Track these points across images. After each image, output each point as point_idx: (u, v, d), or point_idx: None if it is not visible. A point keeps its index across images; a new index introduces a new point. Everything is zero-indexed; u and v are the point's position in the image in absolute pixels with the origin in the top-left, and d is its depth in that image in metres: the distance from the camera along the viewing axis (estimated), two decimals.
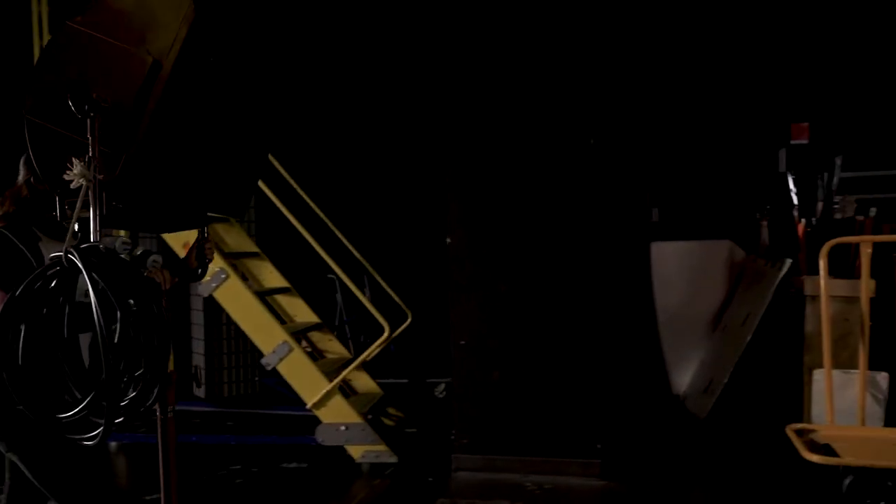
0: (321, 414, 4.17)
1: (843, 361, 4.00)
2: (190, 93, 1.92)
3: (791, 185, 4.60)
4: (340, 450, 4.19)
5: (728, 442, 4.19)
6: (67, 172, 1.79)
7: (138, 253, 2.03)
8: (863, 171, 5.39)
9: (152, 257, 2.10)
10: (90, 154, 1.79)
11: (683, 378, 5.56)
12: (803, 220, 4.30)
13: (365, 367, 4.69)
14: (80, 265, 1.68)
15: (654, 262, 5.70)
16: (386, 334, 4.26)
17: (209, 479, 4.01)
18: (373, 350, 4.38)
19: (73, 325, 1.79)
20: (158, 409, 2.12)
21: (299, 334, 4.68)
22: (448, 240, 3.93)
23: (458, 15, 3.92)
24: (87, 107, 1.78)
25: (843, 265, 4.19)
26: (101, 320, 1.64)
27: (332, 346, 4.87)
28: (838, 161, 4.49)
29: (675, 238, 5.66)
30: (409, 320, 4.86)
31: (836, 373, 3.81)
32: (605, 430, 3.79)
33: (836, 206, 4.39)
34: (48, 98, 1.87)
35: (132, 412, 1.80)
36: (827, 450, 3.27)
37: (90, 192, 1.79)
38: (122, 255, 1.86)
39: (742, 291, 5.27)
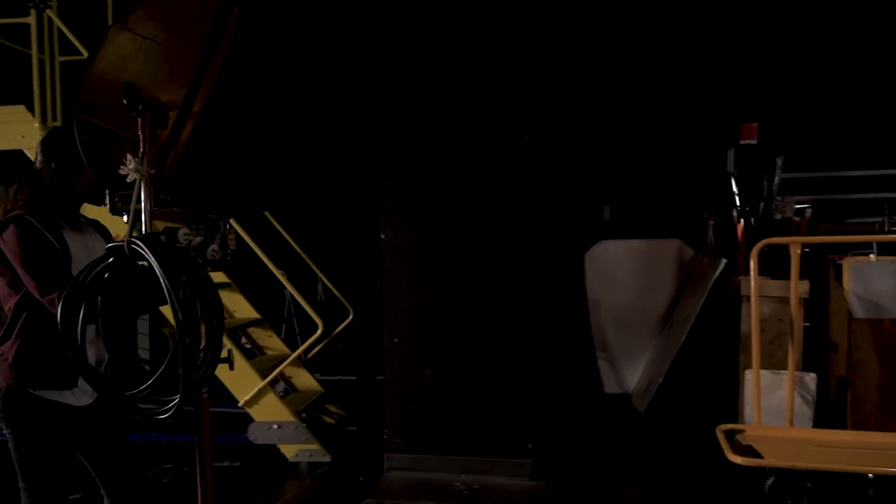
0: (253, 412, 4.09)
1: (778, 361, 4.01)
2: (233, 95, 2.08)
3: (733, 185, 4.60)
4: (276, 448, 4.12)
5: (663, 441, 4.19)
6: (122, 167, 1.91)
7: (197, 243, 2.10)
8: (814, 171, 5.44)
9: (211, 247, 2.16)
10: (142, 150, 1.92)
11: (633, 377, 5.56)
12: (742, 220, 4.30)
13: (312, 364, 4.60)
14: (146, 253, 1.79)
15: (604, 261, 5.69)
16: (320, 331, 4.19)
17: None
18: (306, 347, 4.31)
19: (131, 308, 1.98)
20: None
21: (237, 330, 4.60)
22: (382, 236, 3.88)
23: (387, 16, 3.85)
24: (140, 106, 1.91)
25: (781, 266, 4.20)
26: (177, 303, 1.76)
27: (272, 343, 4.78)
28: (779, 161, 4.51)
29: (626, 236, 5.66)
30: (350, 317, 4.79)
31: (765, 373, 3.82)
32: (537, 430, 3.76)
33: (775, 207, 4.40)
34: (99, 96, 1.99)
35: (199, 386, 1.94)
36: (750, 451, 3.28)
37: (143, 186, 1.91)
38: (183, 245, 2.00)
39: (689, 290, 5.29)
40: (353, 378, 5.99)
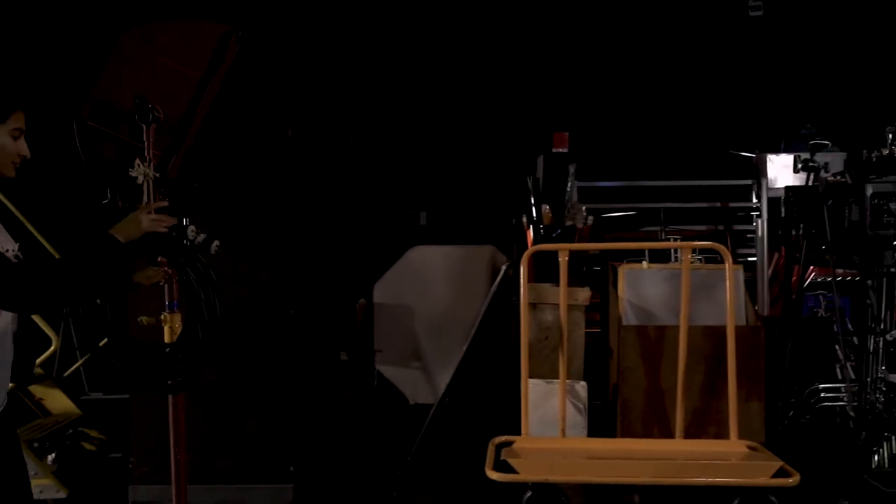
0: None
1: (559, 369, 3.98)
2: (229, 109, 2.37)
3: (531, 192, 4.56)
4: None
5: (447, 455, 4.02)
6: (131, 170, 2.13)
7: (201, 240, 2.24)
8: (619, 181, 5.57)
9: (215, 242, 2.28)
10: (148, 155, 2.14)
11: (441, 387, 5.44)
12: (532, 227, 4.25)
13: (98, 380, 3.98)
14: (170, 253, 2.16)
15: (418, 267, 5.53)
16: (53, 347, 3.65)
17: None
18: (41, 361, 3.76)
19: None
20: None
21: None
22: None
23: None
24: (149, 116, 2.11)
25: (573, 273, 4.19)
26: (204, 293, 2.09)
27: None
28: (572, 169, 4.52)
29: (443, 242, 5.54)
30: None
31: (539, 382, 3.75)
32: (300, 451, 3.45)
33: (567, 214, 4.39)
34: (104, 105, 2.19)
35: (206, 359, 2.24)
36: (506, 466, 3.16)
37: (148, 187, 2.12)
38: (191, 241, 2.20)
39: None
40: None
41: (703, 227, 4.99)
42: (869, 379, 3.40)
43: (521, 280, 3.48)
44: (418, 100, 5.63)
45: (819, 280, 4.02)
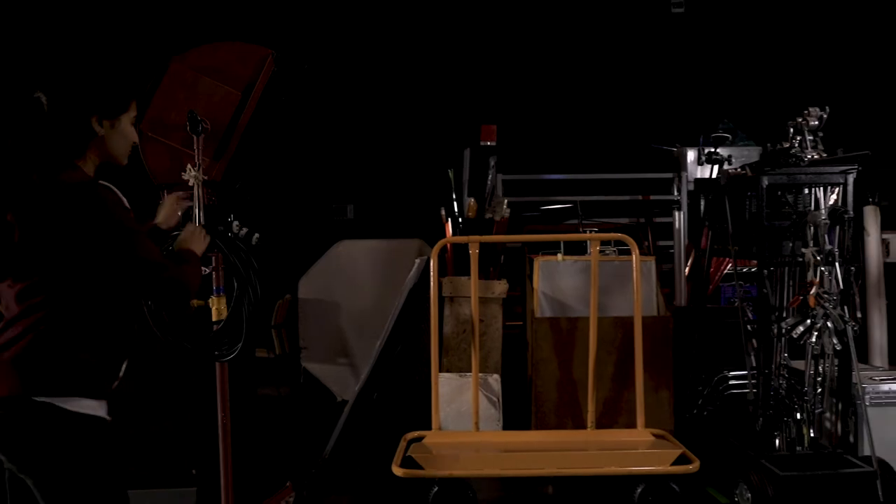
0: None
1: (480, 362, 3.94)
2: (266, 121, 2.70)
3: (452, 184, 4.53)
4: None
5: (361, 452, 3.96)
6: (183, 174, 2.48)
7: (244, 233, 2.59)
8: (545, 174, 5.60)
9: (255, 235, 2.62)
10: (198, 161, 2.51)
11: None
12: (450, 220, 4.22)
13: None
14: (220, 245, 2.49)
15: (345, 262, 5.44)
16: None
17: None
18: None
19: None
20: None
21: None
22: None
23: None
24: (199, 127, 2.49)
25: (484, 266, 4.17)
26: (251, 280, 2.50)
27: None
28: (492, 161, 4.51)
29: (371, 236, 5.46)
30: None
31: (452, 376, 3.73)
32: (206, 454, 3.33)
33: (488, 207, 4.38)
34: (162, 118, 2.60)
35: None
36: (413, 462, 3.12)
37: (198, 188, 2.47)
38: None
39: None
40: None
41: (625, 220, 5.06)
42: (773, 365, 3.48)
43: (431, 273, 3.44)
44: (346, 91, 5.54)
45: (735, 271, 4.10)
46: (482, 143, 5.44)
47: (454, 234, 4.18)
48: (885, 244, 5.30)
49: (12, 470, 1.58)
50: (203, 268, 2.47)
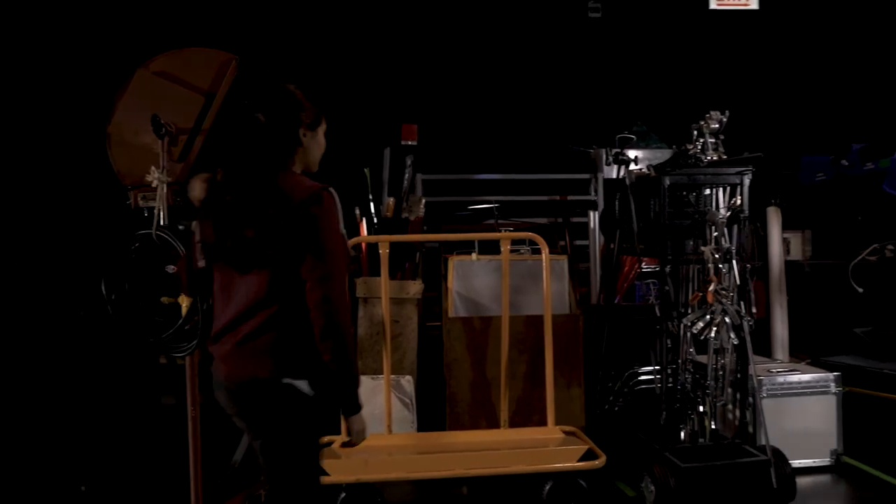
0: None
1: (395, 364, 3.90)
2: (229, 124, 2.46)
3: (368, 183, 4.46)
4: None
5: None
6: (147, 175, 2.68)
7: None
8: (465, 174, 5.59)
9: None
10: (162, 163, 2.69)
11: None
12: (364, 219, 4.15)
13: None
14: (172, 238, 2.59)
15: None
16: None
17: None
18: None
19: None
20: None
21: None
22: None
23: None
24: (162, 130, 2.67)
25: (400, 266, 4.13)
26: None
27: None
28: (409, 160, 4.47)
29: None
30: None
31: (363, 378, 3.65)
32: (95, 469, 3.14)
33: (405, 207, 4.34)
34: (127, 121, 2.79)
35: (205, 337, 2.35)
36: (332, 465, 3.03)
37: (162, 190, 2.66)
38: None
39: None
40: None
41: (543, 220, 5.12)
42: (680, 360, 3.59)
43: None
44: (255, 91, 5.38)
45: (640, 269, 4.22)
46: (403, 143, 5.40)
47: (369, 233, 4.11)
48: (786, 243, 5.60)
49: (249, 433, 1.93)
50: (171, 266, 2.60)
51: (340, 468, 3.00)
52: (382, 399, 3.50)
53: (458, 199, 5.13)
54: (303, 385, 1.80)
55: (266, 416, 1.83)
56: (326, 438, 3.39)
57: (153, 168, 2.64)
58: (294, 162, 1.96)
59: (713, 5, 5.04)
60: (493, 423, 3.57)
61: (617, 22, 5.95)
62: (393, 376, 3.49)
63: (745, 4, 5.12)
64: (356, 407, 1.86)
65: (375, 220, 4.18)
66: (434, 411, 3.87)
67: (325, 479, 2.95)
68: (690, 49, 6.10)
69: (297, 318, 1.79)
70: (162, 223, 2.67)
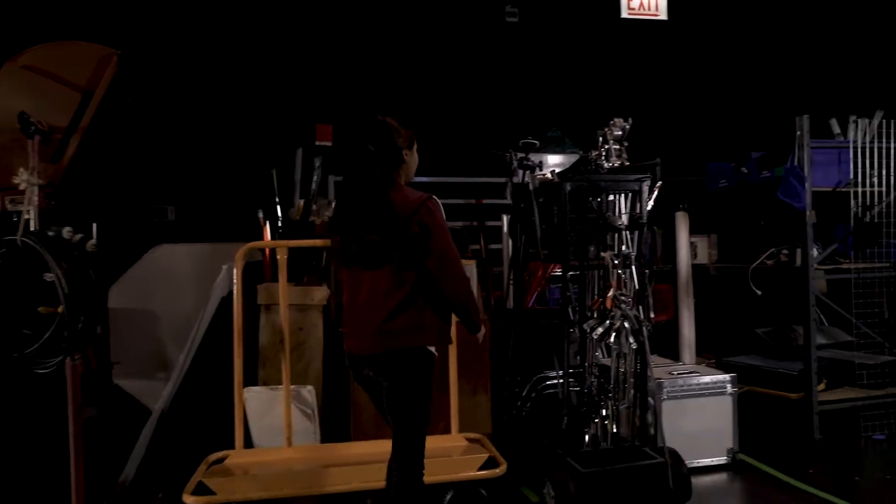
0: None
1: (299, 374, 3.76)
2: (110, 123, 2.76)
3: (274, 185, 4.31)
4: None
5: (166, 476, 3.63)
6: (14, 177, 2.59)
7: (77, 238, 2.76)
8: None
9: (90, 241, 2.84)
10: (32, 164, 2.57)
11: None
12: (268, 223, 3.99)
13: None
14: (37, 245, 2.55)
15: (164, 267, 5.01)
16: None
17: None
18: None
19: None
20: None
21: None
22: None
23: None
24: (32, 129, 2.56)
25: (307, 271, 3.99)
26: (62, 282, 2.53)
27: None
28: (317, 162, 4.34)
29: (194, 239, 5.07)
30: None
31: (262, 389, 3.52)
32: None
33: (313, 210, 4.20)
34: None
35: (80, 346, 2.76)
36: (203, 487, 2.88)
37: (31, 193, 2.58)
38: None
39: None
40: None
41: (458, 224, 5.08)
42: (587, 364, 3.62)
43: (235, 280, 3.20)
44: (171, 85, 5.11)
45: (545, 275, 4.25)
46: (317, 143, 5.25)
47: (273, 237, 3.96)
48: (694, 247, 5.79)
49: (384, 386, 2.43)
50: (48, 274, 2.58)
51: (230, 486, 2.85)
52: (281, 410, 3.36)
53: None
54: (428, 348, 2.39)
55: (400, 373, 2.36)
56: (218, 454, 3.23)
57: (21, 170, 2.56)
58: (399, 176, 2.46)
59: (624, 14, 5.16)
60: None
61: (534, 27, 5.99)
62: (294, 386, 3.36)
63: (655, 15, 5.27)
64: (478, 328, 2.54)
65: (280, 224, 4.03)
66: (341, 421, 3.76)
67: (209, 500, 2.80)
68: (604, 56, 6.22)
69: (424, 298, 2.33)
70: (33, 228, 2.60)
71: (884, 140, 4.52)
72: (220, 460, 3.16)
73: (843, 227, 4.57)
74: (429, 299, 2.35)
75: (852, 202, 4.49)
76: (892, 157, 4.53)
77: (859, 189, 4.49)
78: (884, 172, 4.52)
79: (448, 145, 5.63)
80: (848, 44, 6.28)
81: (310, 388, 3.43)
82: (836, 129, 4.74)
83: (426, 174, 5.54)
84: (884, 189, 4.51)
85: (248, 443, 3.48)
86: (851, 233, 4.49)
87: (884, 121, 4.53)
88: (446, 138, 5.70)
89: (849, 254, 4.58)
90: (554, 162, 5.27)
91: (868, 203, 4.50)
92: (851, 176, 4.47)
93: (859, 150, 4.49)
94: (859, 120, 4.56)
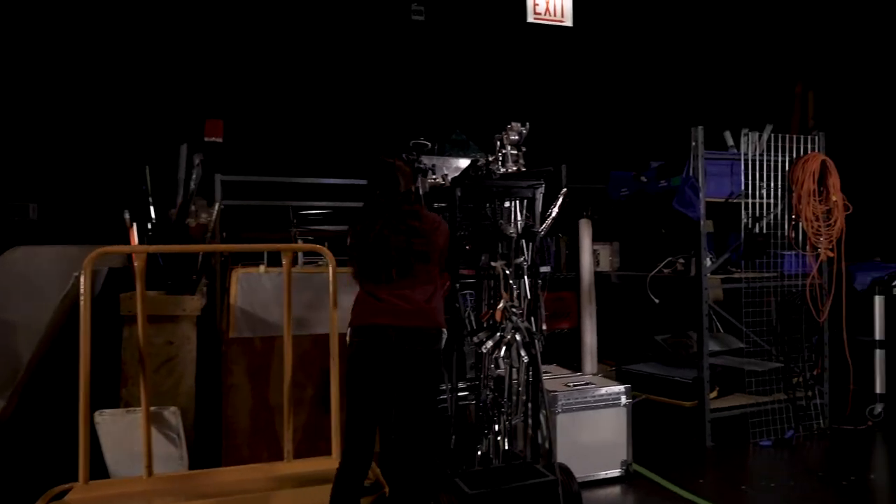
0: None
1: (166, 393, 3.41)
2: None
3: (147, 183, 3.92)
4: None
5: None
6: None
7: None
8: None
9: None
10: None
11: None
12: (135, 225, 3.61)
13: None
14: None
15: (24, 271, 4.49)
16: None
17: None
18: None
19: None
20: None
21: None
22: None
23: None
24: None
25: (183, 278, 3.64)
26: None
27: None
28: (197, 159, 3.98)
29: (60, 240, 4.57)
30: None
31: (118, 412, 3.15)
32: None
33: (191, 211, 3.85)
34: None
35: None
36: None
37: None
38: None
39: None
40: None
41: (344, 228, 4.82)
42: (482, 376, 3.46)
43: (83, 290, 2.82)
44: (37, 69, 4.59)
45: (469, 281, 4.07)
46: (206, 140, 4.85)
47: (140, 241, 3.57)
48: (596, 255, 5.80)
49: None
50: None
51: None
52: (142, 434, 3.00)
53: (263, 204, 4.69)
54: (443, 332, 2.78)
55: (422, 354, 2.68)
56: (61, 488, 2.84)
57: None
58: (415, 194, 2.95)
59: (530, 18, 5.08)
60: (277, 454, 3.21)
61: (440, 26, 5.83)
62: (155, 408, 3.01)
63: (561, 21, 5.23)
64: None
65: (150, 226, 3.64)
66: (213, 444, 3.43)
67: None
68: (510, 60, 6.15)
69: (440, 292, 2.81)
70: None
71: (773, 153, 4.65)
72: (63, 493, 2.77)
73: (736, 238, 4.66)
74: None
75: (743, 213, 4.59)
76: (780, 169, 4.67)
77: (750, 200, 4.60)
78: (772, 185, 4.65)
79: (347, 146, 5.38)
80: (743, 58, 6.51)
81: (173, 409, 3.09)
82: (730, 142, 4.84)
83: (320, 175, 5.29)
84: (772, 201, 4.64)
85: (103, 472, 3.10)
86: (742, 243, 4.58)
87: (772, 135, 4.66)
88: (346, 139, 5.45)
89: (740, 264, 4.67)
90: (457, 166, 5.12)
91: (757, 214, 4.61)
92: (742, 188, 4.57)
93: (750, 163, 4.59)
94: (750, 133, 4.67)
